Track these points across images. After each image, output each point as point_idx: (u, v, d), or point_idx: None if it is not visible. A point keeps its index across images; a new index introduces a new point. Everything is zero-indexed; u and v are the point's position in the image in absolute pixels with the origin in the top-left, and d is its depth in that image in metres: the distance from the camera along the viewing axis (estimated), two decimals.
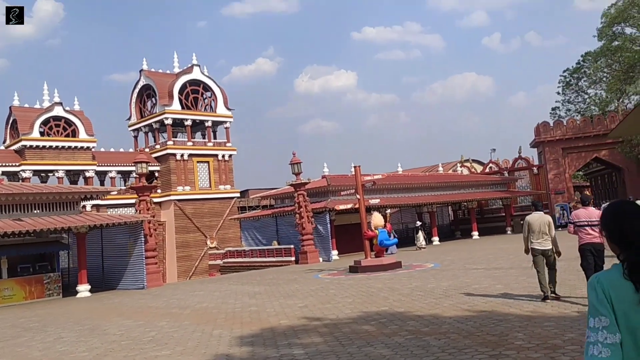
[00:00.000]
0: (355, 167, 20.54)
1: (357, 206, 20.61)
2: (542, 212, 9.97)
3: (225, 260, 33.14)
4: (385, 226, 19.63)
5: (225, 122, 41.58)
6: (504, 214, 37.39)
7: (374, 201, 22.21)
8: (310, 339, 8.25)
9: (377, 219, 19.51)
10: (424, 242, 29.19)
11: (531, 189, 38.42)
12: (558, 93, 48.57)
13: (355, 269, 18.68)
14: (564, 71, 46.90)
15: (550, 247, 9.59)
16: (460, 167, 43.31)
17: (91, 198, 25.44)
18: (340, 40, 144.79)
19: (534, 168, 38.64)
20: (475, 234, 34.91)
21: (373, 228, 19.33)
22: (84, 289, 20.69)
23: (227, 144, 41.43)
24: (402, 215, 38.25)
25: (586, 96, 45.52)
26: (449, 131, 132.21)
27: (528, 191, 38.25)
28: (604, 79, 37.73)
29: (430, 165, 49.98)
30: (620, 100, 36.02)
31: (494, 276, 13.70)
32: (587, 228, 8.85)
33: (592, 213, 8.98)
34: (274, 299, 13.60)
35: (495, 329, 7.53)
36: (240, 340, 8.58)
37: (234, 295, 15.50)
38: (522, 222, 32.55)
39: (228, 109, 41.85)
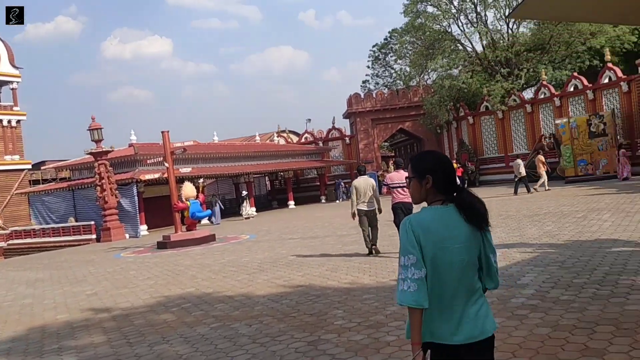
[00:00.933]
0: (163, 132, 18.39)
1: (166, 176, 18.64)
2: (366, 176, 10.35)
3: (10, 242, 28.34)
4: (197, 197, 18.04)
5: (11, 82, 35.51)
6: (318, 183, 37.98)
7: (185, 170, 20.43)
8: (90, 338, 6.52)
9: (188, 189, 17.82)
10: (250, 211, 28.31)
11: (344, 159, 39.60)
12: (368, 67, 50.94)
13: (163, 244, 16.85)
14: (373, 46, 49.27)
15: (374, 207, 10.18)
16: (277, 137, 43.02)
17: None
18: (153, 2, 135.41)
19: (347, 138, 39.70)
20: (292, 203, 34.67)
21: (184, 199, 17.62)
22: None
23: (15, 108, 35.49)
24: (219, 186, 36.73)
25: (392, 71, 48.41)
26: (267, 103, 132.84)
27: (341, 161, 39.33)
28: (409, 54, 40.11)
29: (248, 136, 49.13)
30: (422, 75, 38.70)
31: (311, 245, 13.10)
32: (399, 189, 9.61)
33: (404, 176, 9.42)
34: (58, 286, 11.29)
35: (313, 307, 6.64)
36: None
37: (8, 284, 12.72)
38: (335, 190, 33.36)
39: (15, 67, 35.75)
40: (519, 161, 21.19)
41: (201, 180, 20.28)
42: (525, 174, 20.67)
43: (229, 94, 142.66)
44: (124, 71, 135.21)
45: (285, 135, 43.96)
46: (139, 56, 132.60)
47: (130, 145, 27.21)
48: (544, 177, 20.87)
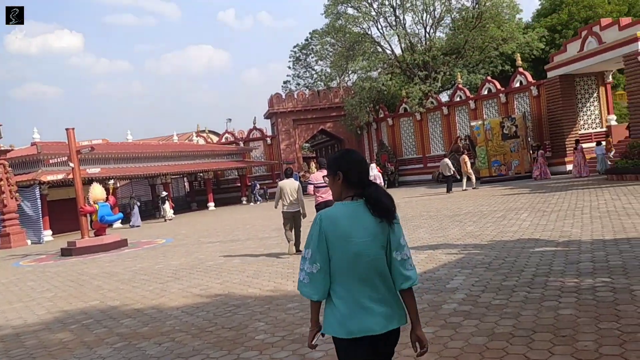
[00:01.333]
0: (68, 130, 16.91)
1: (71, 177, 17.20)
2: (292, 179, 10.53)
3: None
4: (107, 200, 16.77)
5: None
6: (239, 184, 37.08)
7: (93, 171, 19.01)
8: None
9: (96, 191, 16.54)
10: (170, 213, 26.95)
11: (265, 159, 38.96)
12: (289, 67, 50.50)
13: (68, 251, 15.48)
14: (294, 47, 48.91)
15: (299, 209, 10.30)
16: (197, 137, 41.51)
17: None
18: None
19: (268, 139, 39.12)
20: (212, 204, 33.53)
21: (92, 202, 16.31)
22: None
23: None
24: (134, 188, 34.86)
25: (313, 72, 48.18)
26: (186, 102, 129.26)
27: (262, 161, 38.62)
28: (329, 56, 40.09)
29: (166, 136, 47.18)
30: (342, 76, 38.84)
31: (231, 249, 12.41)
32: (322, 189, 9.82)
33: None
34: None
35: (232, 320, 6.04)
36: None
37: None
38: (251, 192, 32.51)
39: None
40: (447, 160, 21.63)
41: (111, 181, 18.94)
42: (452, 173, 21.09)
43: (145, 93, 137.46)
44: (30, 66, 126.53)
45: (205, 135, 42.58)
46: (47, 51, 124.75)
47: (33, 144, 25.07)
48: (473, 176, 21.44)
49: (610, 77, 25.25)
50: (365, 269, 2.29)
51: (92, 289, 9.27)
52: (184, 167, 32.28)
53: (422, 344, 2.41)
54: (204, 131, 43.39)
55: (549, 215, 11.34)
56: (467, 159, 21.60)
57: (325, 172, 9.44)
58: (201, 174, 36.13)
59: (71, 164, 16.67)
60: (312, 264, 2.32)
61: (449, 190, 20.80)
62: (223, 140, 40.36)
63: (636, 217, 9.75)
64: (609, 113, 25.16)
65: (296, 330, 5.36)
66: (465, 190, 20.93)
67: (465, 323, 4.88)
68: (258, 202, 33.53)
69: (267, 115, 40.48)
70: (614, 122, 24.87)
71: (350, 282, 2.30)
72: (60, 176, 22.73)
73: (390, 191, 22.07)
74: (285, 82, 51.01)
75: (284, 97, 38.99)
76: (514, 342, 4.26)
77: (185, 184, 40.62)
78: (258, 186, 34.88)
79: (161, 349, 5.26)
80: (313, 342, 2.50)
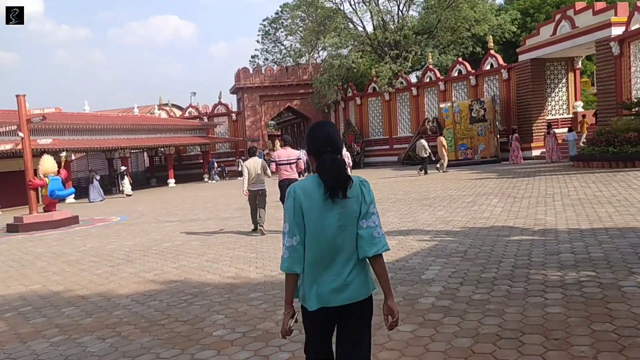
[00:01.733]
0: (18, 97, 15.74)
1: (20, 147, 16.11)
2: (257, 157, 10.26)
3: None
4: (58, 173, 15.77)
5: None
6: (202, 161, 35.95)
7: (45, 141, 17.86)
8: None
9: (47, 164, 15.51)
10: (128, 189, 25.87)
11: (230, 136, 37.98)
12: (257, 42, 49.17)
13: (14, 227, 14.50)
14: (264, 20, 47.52)
15: (264, 188, 10.08)
16: (159, 110, 40.00)
17: None
18: None
19: (233, 114, 38.12)
20: (172, 181, 32.39)
21: (42, 175, 15.29)
22: None
23: None
24: (90, 162, 33.41)
25: (283, 47, 46.94)
26: (149, 74, 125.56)
27: (226, 138, 37.63)
28: (299, 31, 39.07)
29: (126, 108, 45.46)
30: (312, 53, 38.00)
31: (190, 230, 11.72)
32: (286, 166, 9.52)
33: (292, 153, 9.65)
34: None
35: (188, 311, 5.44)
36: None
37: None
38: (209, 170, 31.41)
39: None
40: (424, 142, 21.38)
41: (64, 153, 17.86)
42: (428, 155, 20.86)
43: (106, 62, 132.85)
44: None
45: (167, 108, 41.25)
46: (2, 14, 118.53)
47: None
48: (446, 160, 21.27)
49: (580, 63, 25.32)
50: (336, 238, 2.30)
51: (35, 271, 8.49)
52: (144, 141, 31.03)
53: (393, 315, 2.39)
54: (166, 104, 42.07)
55: (520, 202, 11.09)
56: (444, 141, 21.43)
57: (289, 149, 9.16)
58: (162, 149, 34.90)
59: (21, 134, 15.55)
60: (292, 237, 2.31)
61: (425, 172, 20.54)
62: (186, 114, 39.09)
63: (609, 206, 9.56)
64: (576, 99, 25.27)
65: (259, 325, 4.81)
66: (445, 171, 20.75)
67: (447, 321, 4.43)
68: (215, 181, 32.59)
69: (234, 90, 39.39)
70: (580, 109, 25.03)
71: (324, 252, 2.31)
72: (8, 146, 21.41)
73: (356, 172, 21.67)
74: (253, 57, 49.72)
75: (251, 72, 37.93)
76: (502, 345, 3.83)
77: (145, 159, 39.15)
78: (216, 164, 33.84)
79: (104, 346, 4.64)
80: (288, 327, 2.38)
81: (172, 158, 33.96)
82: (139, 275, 7.43)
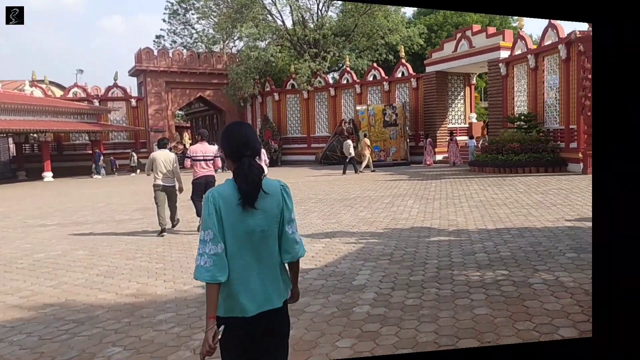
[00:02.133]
0: None
1: None
2: (166, 150, 9.71)
3: None
4: None
5: None
6: (90, 152, 31.04)
7: None
8: None
9: None
10: None
11: (128, 124, 34.29)
12: (164, 20, 45.64)
13: None
14: None
15: (174, 184, 9.56)
16: (31, 87, 33.43)
17: None
18: None
19: (133, 100, 34.25)
20: (49, 175, 27.45)
21: None
22: None
23: None
24: None
25: (194, 31, 43.85)
26: (20, 44, 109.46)
27: (124, 126, 33.76)
28: (213, 15, 36.65)
29: None
30: (227, 41, 36.56)
31: (74, 237, 9.84)
32: (202, 162, 9.13)
33: (208, 149, 9.29)
34: None
35: (70, 346, 4.39)
36: None
37: None
38: (94, 164, 28.76)
39: None
40: (349, 142, 22.18)
41: None
42: (354, 155, 21.67)
43: None
44: None
45: (44, 86, 34.18)
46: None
47: None
48: (368, 159, 22.20)
49: (475, 79, 28.00)
50: (257, 245, 2.30)
51: None
52: (9, 124, 25.06)
53: (295, 299, 2.54)
54: (42, 81, 34.70)
55: (433, 203, 11.86)
56: (368, 141, 22.75)
57: (206, 145, 8.88)
58: (35, 135, 29.71)
59: None
60: (216, 244, 2.23)
61: (355, 171, 21.51)
62: (70, 95, 33.70)
63: (505, 208, 10.68)
64: (471, 111, 28.00)
65: (171, 356, 4.08)
66: (373, 171, 21.97)
67: (384, 331, 4.48)
68: (101, 176, 28.85)
69: (133, 73, 35.04)
70: (474, 120, 27.90)
71: (244, 259, 2.28)
72: None
73: (274, 171, 21.53)
74: (158, 37, 45.08)
75: (155, 53, 34.05)
76: None
77: (11, 146, 33.15)
78: (102, 158, 29.87)
79: None
80: (214, 342, 2.21)
81: (48, 146, 28.74)
82: None
